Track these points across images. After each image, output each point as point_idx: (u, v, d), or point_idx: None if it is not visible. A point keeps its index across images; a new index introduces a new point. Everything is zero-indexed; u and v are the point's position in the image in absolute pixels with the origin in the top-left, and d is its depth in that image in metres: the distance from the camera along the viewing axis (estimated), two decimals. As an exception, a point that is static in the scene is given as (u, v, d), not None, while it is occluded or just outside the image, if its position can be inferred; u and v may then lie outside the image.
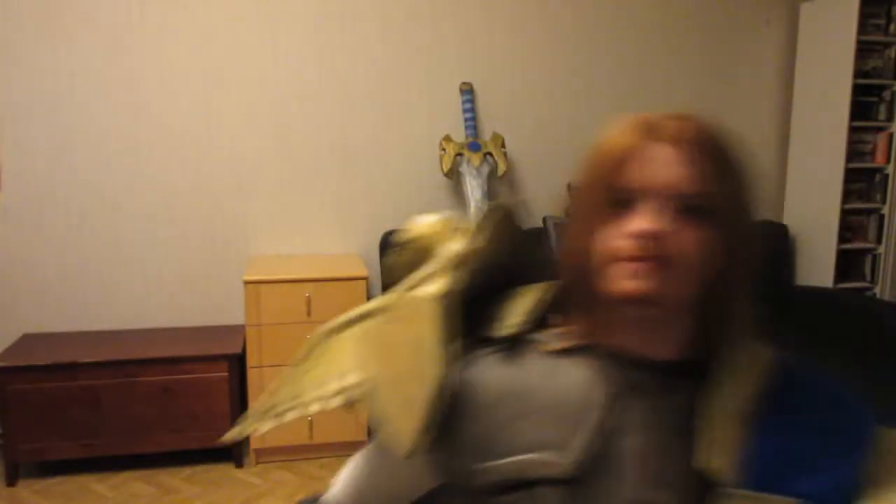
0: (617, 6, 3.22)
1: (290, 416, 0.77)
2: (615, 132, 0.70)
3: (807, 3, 3.31)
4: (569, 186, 3.09)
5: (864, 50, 3.13)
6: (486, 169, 2.99)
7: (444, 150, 2.99)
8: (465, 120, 3.04)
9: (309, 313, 2.63)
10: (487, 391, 0.71)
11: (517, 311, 0.76)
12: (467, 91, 3.06)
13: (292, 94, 2.95)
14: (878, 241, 3.30)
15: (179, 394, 2.58)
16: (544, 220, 2.97)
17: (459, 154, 2.98)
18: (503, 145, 3.05)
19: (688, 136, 0.67)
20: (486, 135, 3.10)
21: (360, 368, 0.74)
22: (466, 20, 3.08)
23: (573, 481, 0.65)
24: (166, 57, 2.82)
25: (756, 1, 3.37)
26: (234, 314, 2.96)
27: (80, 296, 2.86)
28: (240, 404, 2.66)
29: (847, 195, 3.19)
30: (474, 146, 3.01)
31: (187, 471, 2.65)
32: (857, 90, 3.12)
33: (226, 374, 2.62)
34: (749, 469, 0.64)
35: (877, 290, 3.32)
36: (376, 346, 0.75)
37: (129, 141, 2.83)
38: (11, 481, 2.53)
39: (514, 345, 0.74)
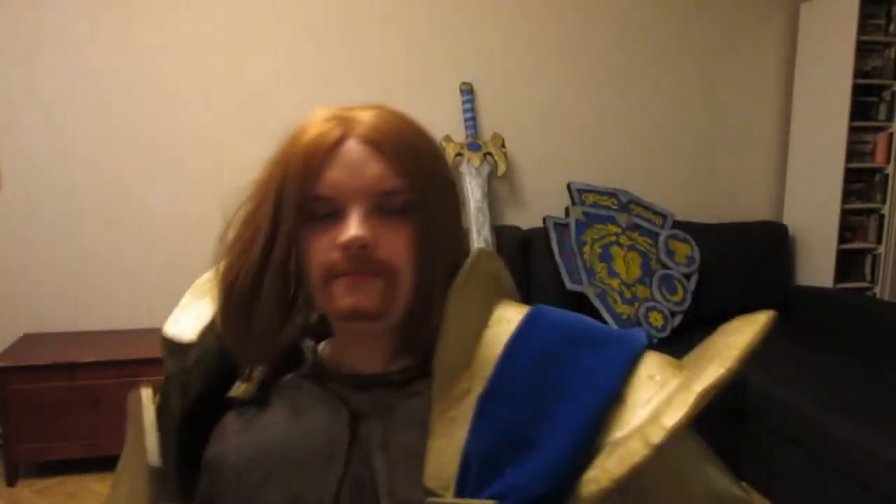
0: (617, 6, 3.22)
1: None
2: (303, 133, 0.67)
3: (807, 3, 3.31)
4: (569, 186, 3.09)
5: (864, 50, 3.13)
6: (486, 169, 2.99)
7: (443, 150, 2.99)
8: (465, 120, 3.05)
9: (309, 313, 2.63)
10: (235, 459, 0.67)
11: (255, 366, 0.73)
12: (467, 91, 3.06)
13: (293, 93, 2.95)
14: (878, 241, 3.29)
15: (179, 394, 2.58)
16: (544, 220, 2.97)
17: (459, 154, 2.98)
18: (503, 145, 3.05)
19: (378, 130, 0.64)
20: (486, 135, 3.10)
21: None
22: (466, 20, 3.08)
23: None
24: (166, 57, 2.82)
25: (756, 1, 3.37)
26: (234, 314, 2.95)
27: (80, 296, 2.86)
28: (240, 404, 2.66)
29: (847, 195, 3.18)
30: (474, 146, 3.01)
31: (187, 471, 2.65)
32: (857, 90, 3.12)
33: (226, 374, 2.61)
34: (466, 467, 0.57)
35: (877, 290, 3.32)
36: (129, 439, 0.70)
37: (130, 141, 2.83)
38: (11, 481, 2.53)
39: (254, 400, 0.70)
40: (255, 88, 2.92)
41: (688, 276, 3.02)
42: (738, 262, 3.17)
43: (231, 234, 0.69)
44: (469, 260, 0.65)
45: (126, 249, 2.88)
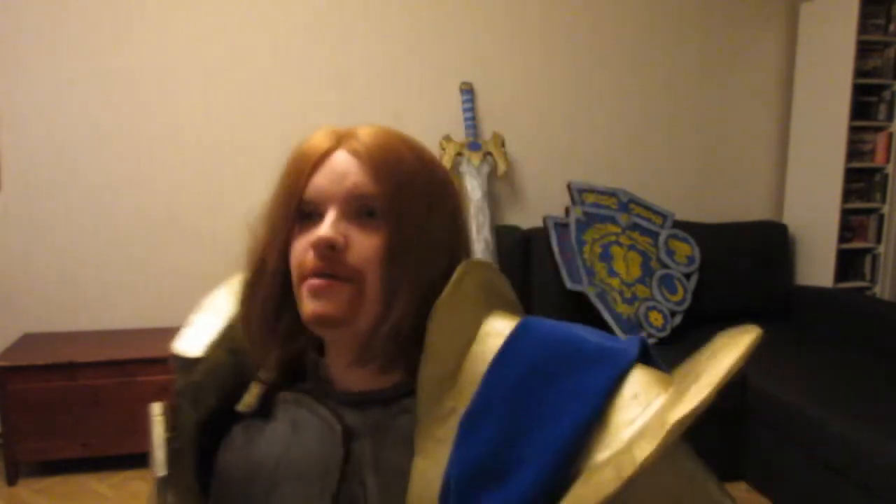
0: (617, 6, 3.22)
1: None
2: (302, 144, 0.70)
3: (807, 3, 3.31)
4: (569, 186, 3.09)
5: (864, 50, 3.13)
6: (486, 169, 2.99)
7: (444, 149, 2.99)
8: (465, 120, 3.04)
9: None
10: (238, 472, 0.70)
11: (254, 378, 0.74)
12: (467, 91, 3.06)
13: (293, 93, 2.95)
14: (878, 240, 3.29)
15: (179, 394, 2.58)
16: (544, 220, 2.97)
17: (459, 154, 2.98)
18: (503, 145, 3.05)
19: (363, 143, 0.66)
20: (486, 135, 3.10)
21: None
22: (466, 20, 3.08)
23: None
24: (167, 57, 2.82)
25: (756, 1, 3.37)
26: (234, 314, 2.96)
27: (80, 296, 2.86)
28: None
29: (847, 195, 3.18)
30: (474, 146, 3.01)
31: (187, 471, 2.65)
32: (857, 90, 3.12)
33: (226, 373, 2.61)
34: (446, 492, 0.57)
35: (877, 289, 3.32)
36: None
37: (130, 141, 2.83)
38: (12, 481, 2.53)
39: (258, 413, 0.72)
40: (254, 89, 2.91)
41: (688, 276, 3.02)
42: (738, 262, 3.17)
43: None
44: (456, 272, 0.64)
45: (126, 249, 2.88)
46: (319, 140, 0.69)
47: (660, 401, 0.54)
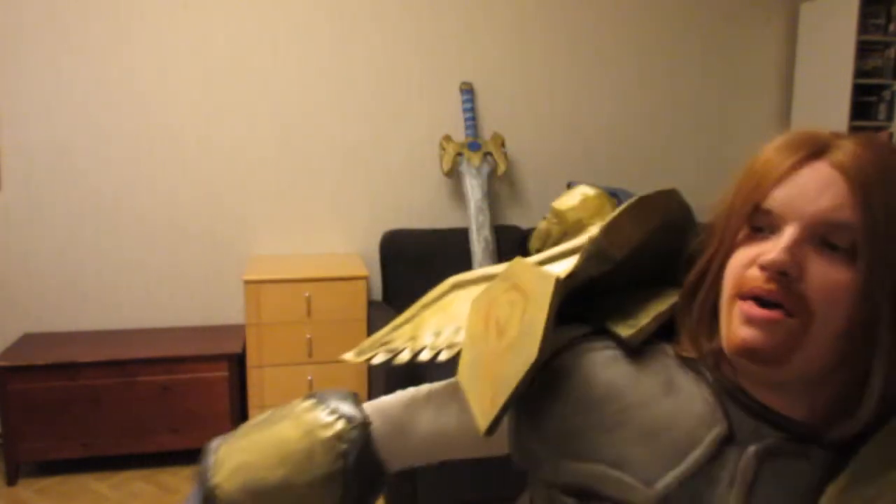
0: (617, 6, 3.22)
1: (403, 357, 0.78)
2: (769, 147, 0.61)
3: (807, 3, 3.31)
4: (569, 186, 3.09)
5: (864, 50, 3.13)
6: (486, 169, 3.00)
7: (444, 149, 2.99)
8: (465, 120, 3.05)
9: (309, 313, 2.63)
10: (595, 387, 0.64)
11: (649, 312, 0.67)
12: (467, 91, 3.06)
13: (293, 94, 2.95)
14: (878, 240, 3.29)
15: (179, 394, 2.58)
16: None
17: (459, 154, 2.98)
18: (503, 145, 3.05)
19: (856, 161, 0.55)
20: (486, 135, 3.10)
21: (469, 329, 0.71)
22: (466, 20, 3.08)
23: None
24: (166, 57, 2.82)
25: (756, 1, 3.37)
26: (234, 314, 2.96)
27: (80, 296, 2.86)
28: (239, 404, 2.66)
29: (847, 195, 3.18)
30: (474, 146, 3.01)
31: (187, 471, 2.65)
32: (857, 90, 3.12)
33: (226, 373, 2.62)
34: None
35: (877, 289, 3.32)
36: (486, 312, 0.69)
37: (130, 141, 2.83)
38: (12, 481, 2.53)
39: (636, 348, 0.66)
40: (254, 89, 2.91)
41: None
42: (738, 262, 3.16)
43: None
44: None
45: (126, 249, 2.88)
46: (792, 143, 0.59)
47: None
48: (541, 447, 0.65)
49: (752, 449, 0.57)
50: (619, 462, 0.60)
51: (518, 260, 0.72)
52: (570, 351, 0.67)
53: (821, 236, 0.55)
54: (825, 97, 3.21)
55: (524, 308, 0.65)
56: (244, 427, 0.77)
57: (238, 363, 2.65)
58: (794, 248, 0.55)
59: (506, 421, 0.68)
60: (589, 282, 0.70)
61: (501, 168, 3.02)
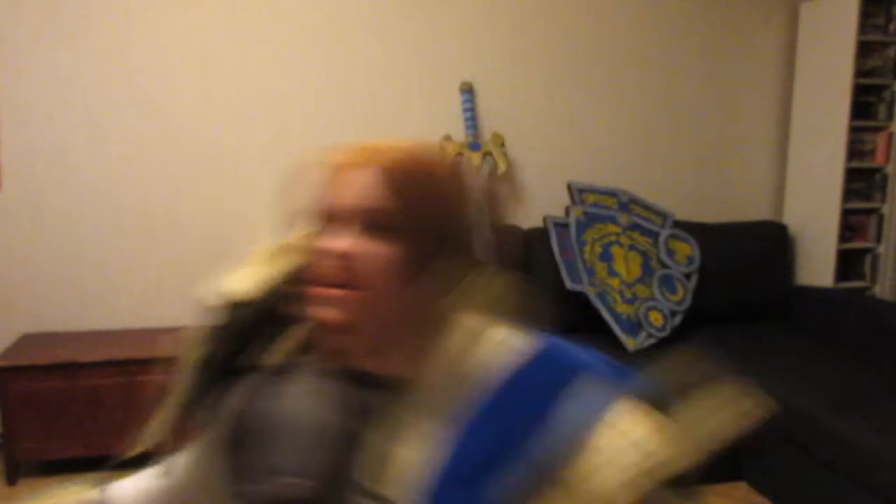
0: (617, 7, 3.22)
1: None
2: (328, 155, 0.73)
3: (807, 3, 3.31)
4: (569, 186, 3.09)
5: (864, 50, 3.13)
6: (486, 169, 3.00)
7: (444, 149, 2.99)
8: (465, 120, 3.05)
9: (309, 313, 2.63)
10: (254, 418, 0.75)
11: (288, 338, 0.78)
12: (467, 91, 3.06)
13: (293, 94, 2.95)
14: (878, 240, 3.29)
15: (179, 394, 2.58)
16: (544, 219, 2.97)
17: (459, 154, 2.98)
18: (503, 145, 3.05)
19: (378, 159, 0.69)
20: (486, 135, 3.10)
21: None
22: (466, 20, 3.08)
23: (318, 502, 0.69)
24: (166, 57, 2.82)
25: (756, 1, 3.37)
26: (234, 314, 2.95)
27: (80, 296, 2.86)
28: (240, 404, 2.66)
29: (847, 195, 3.18)
30: (474, 146, 3.01)
31: (187, 470, 2.65)
32: (857, 90, 3.12)
33: (226, 373, 2.62)
34: (440, 484, 0.63)
35: (877, 289, 3.32)
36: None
37: (130, 140, 2.83)
38: (12, 481, 2.53)
39: (280, 371, 0.76)
40: (254, 88, 2.91)
41: (688, 276, 3.02)
42: (738, 262, 3.17)
43: None
44: (467, 278, 0.69)
45: (126, 249, 2.87)
46: (344, 152, 0.72)
47: (649, 444, 0.61)
48: (240, 482, 0.76)
49: (365, 415, 0.69)
50: (286, 470, 0.71)
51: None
52: (240, 399, 0.78)
53: (368, 222, 0.67)
54: (825, 97, 3.21)
55: (183, 354, 0.82)
56: None
57: (238, 363, 2.64)
58: (346, 234, 0.67)
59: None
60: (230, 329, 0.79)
61: (501, 168, 3.02)
